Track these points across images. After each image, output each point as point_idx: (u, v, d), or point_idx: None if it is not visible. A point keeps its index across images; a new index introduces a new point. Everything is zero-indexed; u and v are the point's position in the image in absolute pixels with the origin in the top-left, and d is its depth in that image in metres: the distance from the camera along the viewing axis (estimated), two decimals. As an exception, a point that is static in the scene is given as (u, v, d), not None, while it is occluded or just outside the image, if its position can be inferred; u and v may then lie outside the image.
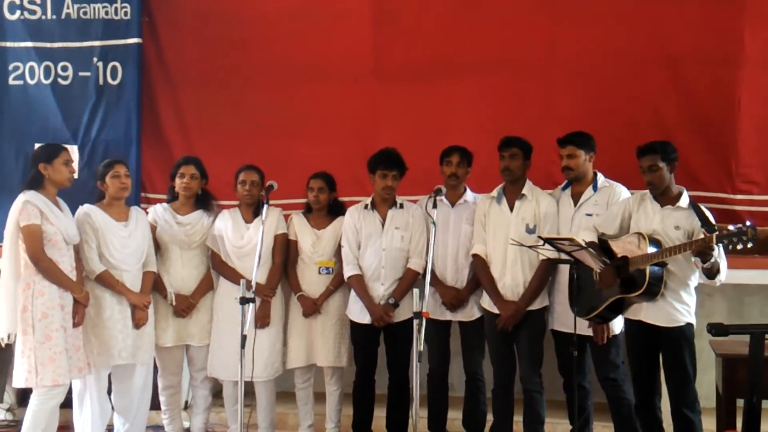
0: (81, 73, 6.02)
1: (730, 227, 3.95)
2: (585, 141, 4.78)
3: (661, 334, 4.39)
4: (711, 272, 4.17)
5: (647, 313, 4.41)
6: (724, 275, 4.23)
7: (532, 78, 5.71)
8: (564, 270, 4.74)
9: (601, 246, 4.49)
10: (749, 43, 5.40)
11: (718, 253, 4.13)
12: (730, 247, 3.95)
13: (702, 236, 4.09)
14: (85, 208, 4.89)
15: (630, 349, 4.59)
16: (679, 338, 4.33)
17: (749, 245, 3.92)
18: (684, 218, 4.35)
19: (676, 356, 4.37)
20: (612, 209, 4.65)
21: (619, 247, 4.43)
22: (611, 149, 5.07)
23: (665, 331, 4.37)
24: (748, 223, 3.95)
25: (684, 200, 4.40)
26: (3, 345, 4.66)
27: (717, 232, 3.99)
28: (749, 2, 5.40)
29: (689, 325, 4.37)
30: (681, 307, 4.36)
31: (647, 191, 4.51)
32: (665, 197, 4.44)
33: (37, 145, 5.27)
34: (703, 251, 4.04)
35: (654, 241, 4.32)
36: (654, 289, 4.30)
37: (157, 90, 6.11)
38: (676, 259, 4.28)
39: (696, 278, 4.39)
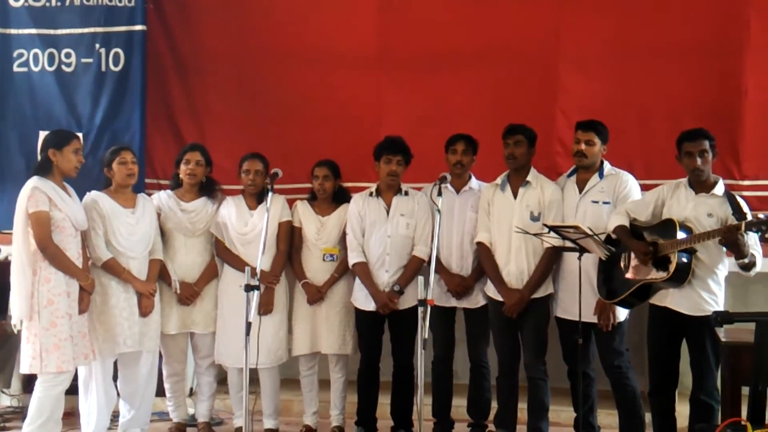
0: (84, 60, 5.98)
1: (760, 215, 3.94)
2: (604, 131, 4.77)
3: (685, 322, 4.39)
4: (747, 267, 4.16)
5: (673, 299, 4.41)
6: (760, 265, 4.22)
7: (538, 68, 5.67)
8: (568, 258, 4.74)
9: (633, 232, 4.49)
10: (756, 30, 5.37)
11: (754, 242, 4.14)
12: (759, 234, 3.93)
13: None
14: (92, 195, 4.89)
15: (651, 334, 4.60)
16: (703, 327, 4.31)
17: None
18: (717, 206, 4.33)
19: (699, 345, 4.38)
20: (645, 196, 4.64)
21: (650, 234, 4.43)
22: (617, 139, 5.02)
23: (690, 319, 4.36)
24: None
25: (719, 188, 4.38)
26: (15, 331, 4.66)
27: (747, 220, 3.98)
28: None
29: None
30: (708, 296, 4.35)
31: (682, 179, 4.50)
32: (701, 185, 4.42)
33: (42, 133, 5.27)
34: (733, 242, 4.03)
35: (685, 228, 4.30)
36: (681, 276, 4.28)
37: (167, 76, 6.08)
38: (707, 247, 4.27)
39: (725, 268, 4.37)
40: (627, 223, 4.54)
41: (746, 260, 4.11)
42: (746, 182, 5.41)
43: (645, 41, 5.51)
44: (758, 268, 4.23)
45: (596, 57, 5.59)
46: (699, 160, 4.36)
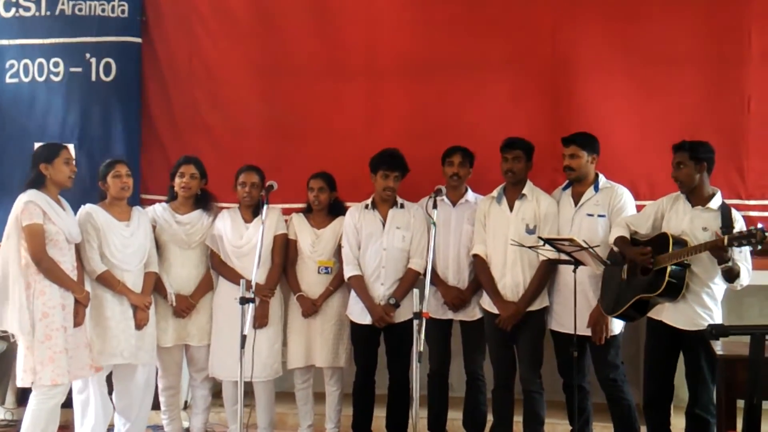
0: (72, 69, 5.94)
1: (742, 229, 3.95)
2: (588, 142, 4.77)
3: (681, 336, 4.40)
4: (730, 275, 4.17)
5: (669, 314, 4.42)
6: (746, 279, 4.23)
7: (533, 78, 5.56)
8: (564, 271, 4.75)
9: (633, 245, 4.50)
10: (756, 42, 5.27)
11: (743, 257, 4.17)
12: (741, 248, 3.96)
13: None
14: (87, 208, 4.88)
15: (648, 347, 4.62)
16: (699, 342, 4.32)
17: (759, 248, 3.95)
18: (712, 220, 4.34)
19: (694, 359, 4.39)
20: (646, 209, 4.66)
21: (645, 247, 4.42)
22: (615, 152, 5.02)
23: (686, 334, 4.38)
24: (759, 225, 3.98)
25: (715, 202, 4.39)
26: (12, 339, 4.63)
27: (728, 235, 3.99)
28: (756, 1, 5.28)
29: None
30: (702, 311, 4.36)
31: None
32: (697, 198, 4.43)
33: (36, 144, 5.24)
34: (718, 253, 4.05)
35: (680, 242, 4.31)
36: (674, 290, 4.29)
37: (150, 89, 5.99)
38: (701, 261, 4.28)
39: (722, 282, 4.34)
40: (628, 235, 4.56)
41: (729, 264, 4.09)
42: (752, 202, 5.29)
43: (644, 55, 5.38)
44: (745, 283, 4.23)
45: (594, 70, 5.45)
46: (675, 173, 4.43)
